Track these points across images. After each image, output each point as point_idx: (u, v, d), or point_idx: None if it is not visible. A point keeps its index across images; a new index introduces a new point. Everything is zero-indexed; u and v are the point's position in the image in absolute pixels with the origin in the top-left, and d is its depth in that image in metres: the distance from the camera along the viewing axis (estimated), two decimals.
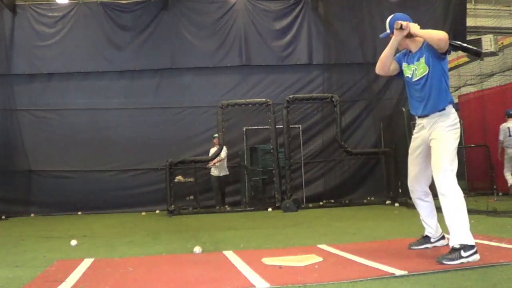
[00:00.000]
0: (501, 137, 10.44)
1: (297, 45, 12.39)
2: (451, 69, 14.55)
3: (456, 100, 13.94)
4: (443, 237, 4.16)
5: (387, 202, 10.44)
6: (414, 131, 4.05)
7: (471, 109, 12.65)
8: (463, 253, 3.43)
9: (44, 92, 12.03)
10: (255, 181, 11.45)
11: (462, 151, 12.32)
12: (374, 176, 11.91)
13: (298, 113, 11.90)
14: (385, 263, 3.50)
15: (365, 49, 11.65)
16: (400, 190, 10.54)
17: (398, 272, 3.21)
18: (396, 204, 9.84)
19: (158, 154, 11.44)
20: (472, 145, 11.88)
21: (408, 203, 9.44)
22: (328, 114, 11.70)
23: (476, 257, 3.46)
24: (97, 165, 11.87)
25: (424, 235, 4.21)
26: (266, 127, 11.09)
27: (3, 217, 10.72)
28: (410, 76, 3.95)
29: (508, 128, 10.33)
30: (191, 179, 11.10)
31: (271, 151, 10.86)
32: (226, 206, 11.09)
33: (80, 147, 11.78)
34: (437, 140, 3.76)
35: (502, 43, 13.18)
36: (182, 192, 10.87)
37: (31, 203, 11.59)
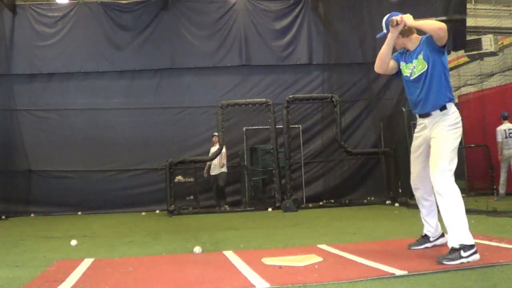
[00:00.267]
0: (499, 139, 10.59)
1: (297, 45, 12.39)
2: (451, 69, 14.51)
3: (456, 100, 13.94)
4: (442, 235, 4.15)
5: (387, 202, 10.44)
6: (416, 130, 4.04)
7: (471, 109, 12.64)
8: (463, 253, 3.42)
9: (44, 92, 12.03)
10: (255, 181, 11.45)
11: (462, 151, 12.32)
12: (374, 176, 11.91)
13: (298, 113, 11.90)
14: (385, 263, 3.50)
15: (365, 49, 11.65)
16: (400, 190, 10.55)
17: (398, 272, 3.21)
18: (396, 204, 9.84)
19: (158, 154, 11.45)
20: (472, 145, 11.88)
21: (408, 203, 9.45)
22: (328, 114, 11.70)
23: (476, 256, 3.46)
24: (97, 165, 11.87)
25: (423, 234, 4.21)
26: (266, 127, 11.09)
27: (3, 217, 10.72)
28: (408, 75, 3.93)
29: (505, 130, 10.52)
30: (191, 179, 11.10)
31: (271, 151, 10.87)
32: (226, 206, 11.08)
33: (80, 147, 11.78)
34: (436, 139, 3.74)
35: (502, 43, 13.17)
36: (182, 192, 10.87)
37: (31, 203, 11.59)
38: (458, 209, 3.56)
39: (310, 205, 10.99)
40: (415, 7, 11.86)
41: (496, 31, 12.58)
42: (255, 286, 3.03)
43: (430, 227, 4.16)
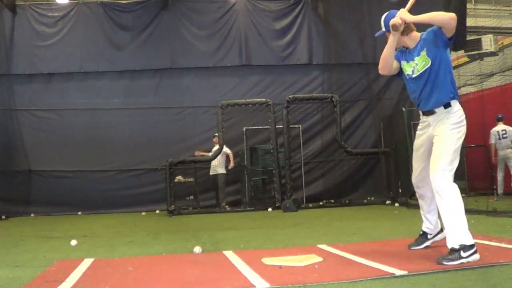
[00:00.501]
0: (492, 141, 10.90)
1: (297, 45, 12.40)
2: None
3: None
4: (441, 231, 4.12)
5: (387, 202, 10.44)
6: (419, 127, 3.98)
7: (471, 109, 12.58)
8: (462, 254, 3.42)
9: (44, 92, 12.03)
10: (255, 181, 11.45)
11: (462, 151, 12.29)
12: (374, 176, 11.91)
13: (298, 113, 11.90)
14: (385, 263, 3.50)
15: (365, 49, 11.66)
16: (400, 190, 10.55)
17: (398, 272, 3.21)
18: (396, 204, 9.84)
19: (158, 154, 11.45)
20: (472, 145, 11.87)
21: (408, 203, 9.46)
22: (328, 114, 11.70)
23: (476, 256, 3.45)
24: (97, 165, 11.88)
25: (422, 231, 4.19)
26: (266, 127, 11.09)
27: (3, 217, 10.71)
28: (410, 73, 3.87)
29: (498, 132, 10.80)
30: (191, 179, 11.10)
31: (271, 151, 10.87)
32: (226, 206, 11.07)
33: (80, 147, 11.78)
34: (439, 137, 3.70)
35: (502, 43, 13.15)
36: (182, 192, 10.87)
37: (31, 203, 11.58)
38: (458, 209, 3.54)
39: (310, 205, 10.99)
40: (415, 7, 11.87)
41: (496, 31, 12.56)
42: (255, 286, 3.03)
43: (429, 224, 4.14)
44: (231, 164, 11.13)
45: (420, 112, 3.93)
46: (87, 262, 4.16)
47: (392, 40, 3.81)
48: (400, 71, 4.01)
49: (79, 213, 11.43)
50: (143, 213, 10.89)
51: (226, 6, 12.40)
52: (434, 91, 3.73)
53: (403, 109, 11.05)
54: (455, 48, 12.32)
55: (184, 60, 12.14)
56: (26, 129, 11.90)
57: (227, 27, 12.30)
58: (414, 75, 3.85)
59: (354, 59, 11.94)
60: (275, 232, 6.42)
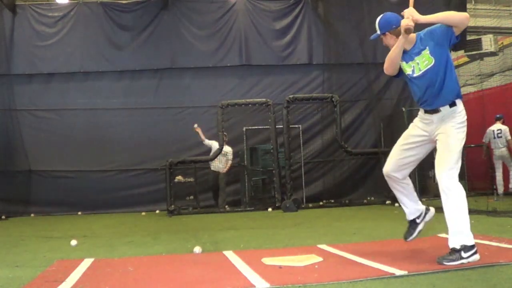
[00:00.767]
0: (485, 140, 11.09)
1: (297, 45, 12.39)
2: None
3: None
4: (427, 210, 4.08)
5: (387, 202, 10.43)
6: (419, 123, 3.88)
7: (471, 109, 12.50)
8: (463, 254, 3.41)
9: (44, 92, 12.02)
10: (255, 181, 11.45)
11: (463, 151, 12.29)
12: (374, 176, 11.88)
13: (298, 113, 11.90)
14: (385, 263, 3.50)
15: (365, 49, 11.64)
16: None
17: (398, 272, 3.21)
18: (396, 204, 9.80)
19: (158, 154, 11.45)
20: (472, 145, 11.87)
21: None
22: (328, 114, 11.70)
23: (476, 257, 3.45)
24: (97, 165, 11.87)
25: (410, 219, 4.11)
26: (266, 127, 11.08)
27: (3, 217, 10.71)
28: (411, 73, 3.83)
29: (493, 131, 10.91)
30: (191, 179, 11.09)
31: (271, 151, 10.86)
32: (226, 206, 11.07)
33: (80, 147, 11.78)
34: (445, 135, 3.66)
35: (502, 43, 13.16)
36: (182, 192, 10.86)
37: (31, 203, 11.57)
38: (463, 209, 3.52)
39: (310, 205, 10.99)
40: (415, 7, 11.87)
41: (496, 31, 12.57)
42: (255, 286, 3.04)
43: (414, 210, 4.07)
44: (225, 169, 10.97)
45: (422, 110, 3.87)
46: (87, 262, 4.16)
47: (402, 42, 3.73)
48: (400, 72, 3.99)
49: (79, 213, 11.43)
50: (143, 213, 10.89)
51: (226, 6, 12.40)
52: (441, 90, 3.69)
53: (403, 109, 11.05)
54: (455, 48, 12.34)
55: (184, 60, 12.14)
56: (26, 129, 11.89)
57: (227, 27, 12.30)
58: (415, 74, 3.80)
59: (354, 59, 11.93)
60: (275, 232, 6.42)
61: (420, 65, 3.76)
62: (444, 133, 3.68)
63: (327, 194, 11.54)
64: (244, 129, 11.79)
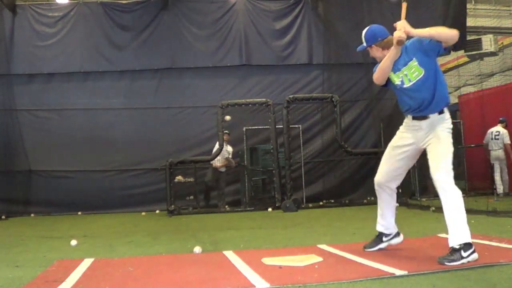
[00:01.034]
0: (485, 141, 11.19)
1: (297, 45, 12.39)
2: (451, 69, 14.53)
3: (456, 100, 13.95)
4: (397, 234, 4.18)
5: None
6: (405, 129, 3.95)
7: (471, 109, 12.64)
8: (463, 253, 3.43)
9: (44, 92, 12.02)
10: (255, 181, 11.45)
11: (462, 151, 12.33)
12: (374, 176, 11.88)
13: (298, 113, 11.90)
14: (385, 263, 3.50)
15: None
16: (400, 190, 10.51)
17: (398, 272, 3.21)
18: (396, 204, 9.82)
19: (158, 154, 11.45)
20: (472, 145, 11.88)
21: (408, 203, 9.46)
22: (328, 114, 11.69)
23: (475, 256, 3.47)
24: (97, 165, 11.87)
25: (379, 231, 4.22)
26: (266, 127, 11.08)
27: (3, 217, 10.71)
28: (399, 83, 3.86)
29: (492, 132, 11.08)
30: (191, 179, 11.09)
31: (271, 151, 10.86)
32: (226, 206, 11.08)
33: (80, 147, 11.77)
34: (437, 139, 3.73)
35: (502, 43, 13.16)
36: (182, 192, 10.86)
37: (31, 203, 11.58)
38: (461, 209, 3.58)
39: (310, 205, 10.99)
40: (415, 7, 11.85)
41: (496, 31, 12.57)
42: (255, 286, 3.04)
43: (389, 225, 4.20)
44: (220, 164, 10.97)
45: (409, 117, 3.92)
46: (87, 262, 4.16)
47: (394, 53, 3.77)
48: (388, 82, 3.98)
49: (79, 213, 11.42)
50: (143, 213, 10.89)
51: (226, 6, 12.39)
52: (432, 99, 3.76)
53: None
54: (455, 48, 12.32)
55: (184, 60, 12.14)
56: (26, 129, 11.89)
57: (227, 27, 12.29)
58: (405, 85, 3.84)
59: (354, 59, 11.87)
60: (275, 232, 6.42)
61: (409, 76, 3.80)
62: (435, 138, 3.75)
63: (327, 194, 11.54)
64: (244, 129, 11.79)
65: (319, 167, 12.13)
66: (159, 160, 11.11)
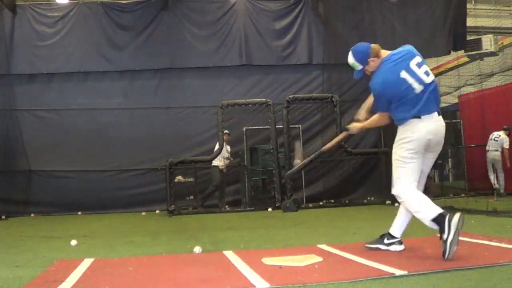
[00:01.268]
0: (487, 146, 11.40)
1: (297, 45, 12.39)
2: (451, 69, 14.54)
3: (456, 100, 13.96)
4: (400, 242, 4.14)
5: (387, 202, 10.43)
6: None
7: (471, 109, 12.64)
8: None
9: (44, 92, 12.02)
10: (255, 181, 11.45)
11: (462, 151, 12.34)
12: (374, 176, 11.90)
13: (298, 113, 11.90)
14: (385, 263, 3.50)
15: None
16: None
17: (398, 272, 3.21)
18: (396, 204, 9.79)
19: (158, 154, 11.44)
20: (472, 145, 11.89)
21: None
22: (328, 114, 11.70)
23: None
24: (97, 165, 11.87)
25: (389, 232, 4.20)
26: (266, 127, 11.09)
27: (3, 217, 10.71)
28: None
29: (493, 134, 11.23)
30: (191, 179, 11.09)
31: (271, 151, 10.86)
32: (226, 206, 11.08)
33: (80, 147, 11.78)
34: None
35: (502, 43, 13.17)
36: (182, 192, 10.87)
37: (31, 203, 11.58)
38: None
39: (310, 205, 10.99)
40: (415, 7, 11.89)
41: (496, 31, 12.58)
42: (255, 286, 3.03)
43: (398, 227, 4.18)
44: (224, 164, 10.99)
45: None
46: (87, 262, 4.16)
47: (364, 126, 4.27)
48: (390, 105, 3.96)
49: (79, 213, 11.43)
50: (143, 213, 10.89)
51: (226, 6, 12.39)
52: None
53: None
54: (455, 48, 12.35)
55: (184, 60, 12.13)
56: (26, 129, 11.88)
57: (227, 27, 12.29)
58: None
59: None
60: (275, 232, 6.42)
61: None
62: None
63: (327, 194, 11.55)
64: (244, 129, 11.80)
65: (319, 167, 12.11)
66: (159, 160, 11.11)
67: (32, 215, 11.31)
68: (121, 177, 11.92)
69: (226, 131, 10.83)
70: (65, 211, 11.39)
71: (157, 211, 11.11)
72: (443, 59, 13.64)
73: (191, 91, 12.24)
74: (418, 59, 3.87)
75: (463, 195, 10.45)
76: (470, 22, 11.99)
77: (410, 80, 3.78)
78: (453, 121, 12.78)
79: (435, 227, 3.63)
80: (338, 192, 11.55)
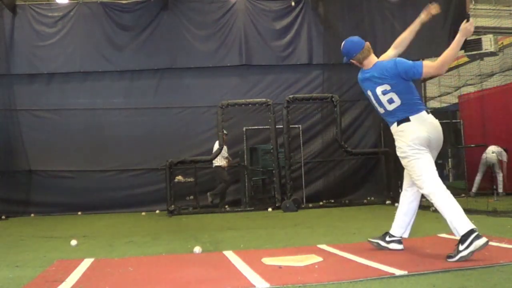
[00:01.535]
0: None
1: (297, 45, 12.38)
2: (451, 69, 14.53)
3: (456, 100, 13.96)
4: (400, 242, 4.17)
5: (387, 202, 10.44)
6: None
7: (471, 109, 12.64)
8: (460, 247, 3.51)
9: (44, 92, 12.01)
10: (255, 181, 11.45)
11: (462, 151, 12.34)
12: (374, 176, 11.90)
13: (298, 113, 11.90)
14: (385, 263, 3.50)
15: None
16: (400, 190, 10.52)
17: (398, 272, 3.21)
18: (396, 204, 9.76)
19: (158, 154, 11.44)
20: (472, 145, 11.88)
21: None
22: (328, 114, 11.69)
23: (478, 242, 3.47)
24: (97, 165, 11.87)
25: (390, 231, 4.25)
26: (266, 127, 11.08)
27: (3, 217, 10.70)
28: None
29: (495, 146, 11.30)
30: (191, 179, 11.09)
31: (271, 151, 10.86)
32: (226, 206, 11.08)
33: (80, 147, 11.78)
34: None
35: (502, 43, 13.17)
36: (182, 192, 10.87)
37: (31, 203, 11.57)
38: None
39: (310, 205, 10.99)
40: (415, 7, 11.85)
41: (496, 31, 12.57)
42: (255, 286, 3.04)
43: (397, 226, 4.23)
44: (225, 163, 11.03)
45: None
46: (87, 262, 4.16)
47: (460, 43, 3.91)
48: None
49: (79, 213, 11.43)
50: (143, 213, 10.89)
51: (226, 6, 12.39)
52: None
53: None
54: None
55: (184, 60, 12.13)
56: (26, 129, 11.88)
57: (227, 27, 12.29)
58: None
59: None
60: (275, 232, 6.42)
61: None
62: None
63: (327, 194, 11.53)
64: (244, 129, 11.79)
65: (319, 167, 12.13)
66: (159, 160, 11.11)
67: (32, 215, 11.31)
68: (121, 177, 11.91)
69: (224, 132, 10.84)
70: (65, 211, 11.39)
71: (157, 211, 11.11)
72: None
73: (191, 91, 12.23)
74: (386, 87, 3.97)
75: (463, 195, 10.46)
76: None
77: (373, 101, 4.09)
78: (453, 121, 12.79)
79: (457, 234, 3.58)
80: (338, 192, 11.54)
